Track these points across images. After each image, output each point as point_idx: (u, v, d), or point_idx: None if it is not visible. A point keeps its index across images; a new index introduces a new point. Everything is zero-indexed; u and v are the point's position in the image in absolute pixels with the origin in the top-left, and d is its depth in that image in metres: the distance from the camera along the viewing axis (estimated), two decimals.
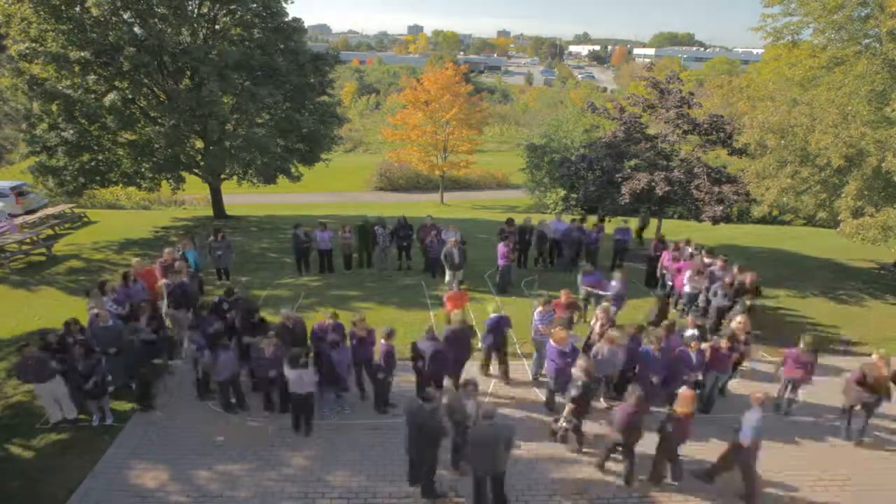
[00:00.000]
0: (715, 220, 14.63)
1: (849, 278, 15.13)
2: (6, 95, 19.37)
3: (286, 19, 16.89)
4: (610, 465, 7.63)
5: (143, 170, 16.74)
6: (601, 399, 8.84)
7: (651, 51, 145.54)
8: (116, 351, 8.66)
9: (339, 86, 56.96)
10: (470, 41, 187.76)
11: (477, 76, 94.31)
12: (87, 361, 7.89)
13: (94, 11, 14.09)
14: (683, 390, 7.14)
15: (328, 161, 20.23)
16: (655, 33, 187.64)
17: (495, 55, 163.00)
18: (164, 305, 10.26)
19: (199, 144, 17.20)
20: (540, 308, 9.21)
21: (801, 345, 8.48)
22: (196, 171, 17.29)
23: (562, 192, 25.67)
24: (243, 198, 25.22)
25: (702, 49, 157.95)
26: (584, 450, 7.83)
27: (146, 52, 14.47)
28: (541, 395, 9.11)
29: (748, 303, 10.20)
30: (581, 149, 19.59)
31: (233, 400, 8.51)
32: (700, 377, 8.51)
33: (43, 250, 15.16)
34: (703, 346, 8.51)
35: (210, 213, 20.20)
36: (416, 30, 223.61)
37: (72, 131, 15.04)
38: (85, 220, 19.23)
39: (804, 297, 13.22)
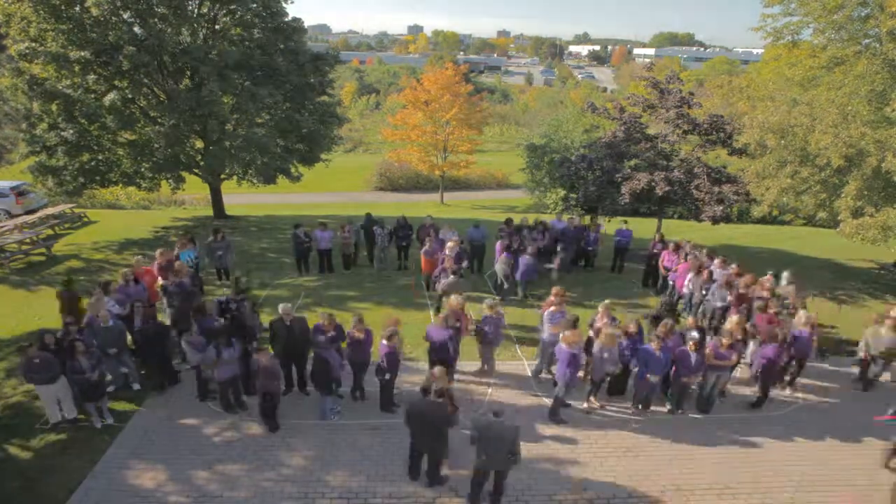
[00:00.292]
0: (715, 220, 14.62)
1: (849, 278, 15.13)
2: (6, 95, 19.38)
3: (286, 19, 16.88)
4: (611, 464, 7.64)
5: (142, 170, 16.73)
6: (592, 399, 8.83)
7: (651, 51, 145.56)
8: (117, 351, 8.67)
9: (339, 86, 56.96)
10: (470, 41, 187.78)
11: (477, 76, 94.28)
12: (87, 361, 7.88)
13: (94, 11, 14.09)
14: None
15: (328, 161, 20.22)
16: (655, 33, 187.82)
17: (495, 55, 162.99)
18: (164, 305, 10.27)
19: (199, 144, 17.19)
20: (552, 308, 9.21)
21: None
22: (196, 171, 17.29)
23: (562, 192, 25.71)
24: (243, 198, 25.22)
25: (702, 49, 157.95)
26: (583, 449, 7.81)
27: (146, 51, 14.47)
28: (540, 392, 9.11)
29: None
30: (581, 149, 19.57)
31: (232, 400, 8.50)
32: (700, 377, 8.53)
33: (43, 250, 15.15)
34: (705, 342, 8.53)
35: (210, 213, 20.20)
36: (416, 30, 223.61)
37: (72, 131, 15.04)
38: (85, 220, 19.22)
39: (804, 298, 13.18)
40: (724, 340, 8.44)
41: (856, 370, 9.77)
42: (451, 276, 10.85)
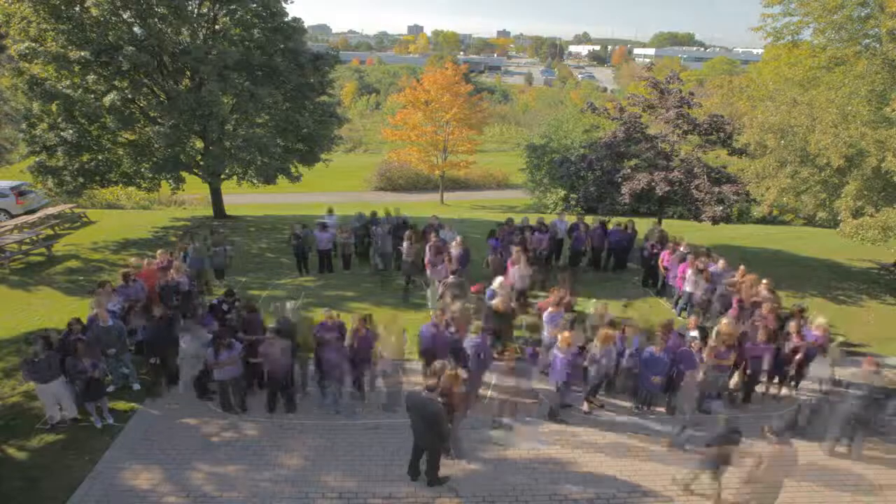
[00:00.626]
0: (715, 221, 14.63)
1: (849, 278, 15.12)
2: (6, 95, 19.39)
3: (286, 19, 16.88)
4: (610, 463, 7.63)
5: (142, 170, 16.73)
6: (592, 399, 8.82)
7: (651, 51, 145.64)
8: (115, 351, 8.66)
9: (339, 86, 56.97)
10: (470, 41, 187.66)
11: (477, 76, 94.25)
12: (89, 361, 7.88)
13: (94, 11, 14.09)
14: None
15: (328, 161, 20.22)
16: (655, 33, 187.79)
17: (495, 55, 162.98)
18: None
19: (199, 144, 17.19)
20: (550, 309, 9.20)
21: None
22: (196, 171, 17.28)
23: (562, 193, 25.75)
24: (243, 198, 25.22)
25: (702, 49, 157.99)
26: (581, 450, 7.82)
27: (146, 51, 14.48)
28: (539, 392, 9.11)
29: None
30: (581, 149, 19.58)
31: (232, 400, 8.50)
32: (702, 376, 8.51)
33: (43, 250, 15.15)
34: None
35: (210, 213, 20.20)
36: (416, 30, 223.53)
37: (71, 131, 15.04)
38: (84, 220, 19.22)
39: (804, 298, 13.20)
40: (723, 340, 8.43)
41: None
42: (452, 277, 10.82)
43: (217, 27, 16.65)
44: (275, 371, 8.21)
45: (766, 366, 8.70)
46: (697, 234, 17.82)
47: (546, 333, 9.23)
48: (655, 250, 13.18)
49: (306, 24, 18.32)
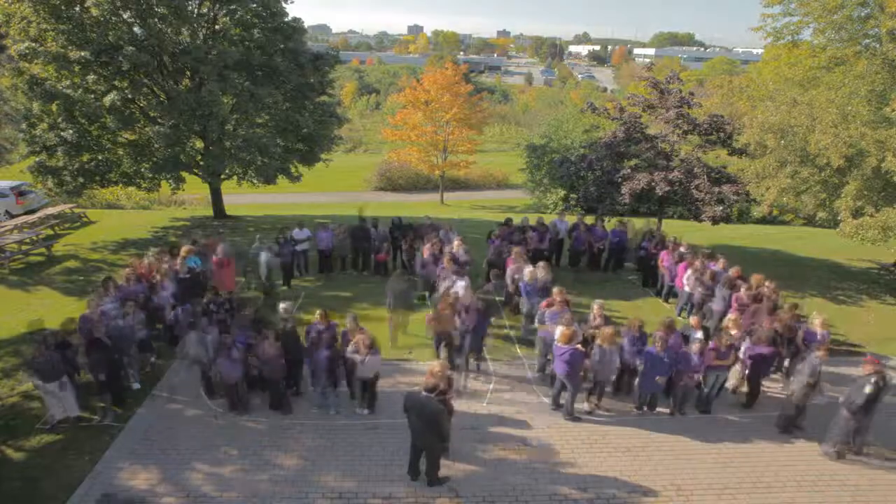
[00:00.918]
0: (715, 221, 14.62)
1: (848, 279, 15.12)
2: (6, 95, 19.38)
3: (286, 19, 16.88)
4: (611, 463, 7.64)
5: (142, 170, 16.73)
6: (593, 398, 8.83)
7: (651, 51, 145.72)
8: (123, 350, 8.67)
9: (339, 86, 56.97)
10: (470, 41, 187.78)
11: (477, 76, 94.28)
12: (90, 359, 7.88)
13: (94, 11, 14.09)
14: None
15: (328, 161, 20.22)
16: (655, 33, 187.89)
17: (495, 55, 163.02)
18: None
19: (199, 144, 17.19)
20: (553, 307, 9.21)
21: None
22: (196, 171, 17.29)
23: (562, 193, 25.75)
24: (243, 198, 25.23)
25: (702, 49, 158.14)
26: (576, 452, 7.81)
27: (146, 52, 14.47)
28: (540, 393, 9.12)
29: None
30: (581, 149, 19.57)
31: (237, 402, 8.49)
32: (701, 377, 8.53)
33: (43, 250, 15.16)
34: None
35: (210, 213, 20.20)
36: (416, 30, 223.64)
37: (71, 131, 15.04)
38: (84, 220, 19.23)
39: (803, 298, 13.21)
40: (724, 340, 8.43)
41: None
42: (463, 281, 10.36)
43: (217, 27, 16.65)
44: (272, 372, 8.22)
45: (769, 367, 8.69)
46: (697, 234, 17.83)
47: (546, 331, 9.24)
48: (655, 250, 13.18)
49: (306, 24, 18.33)
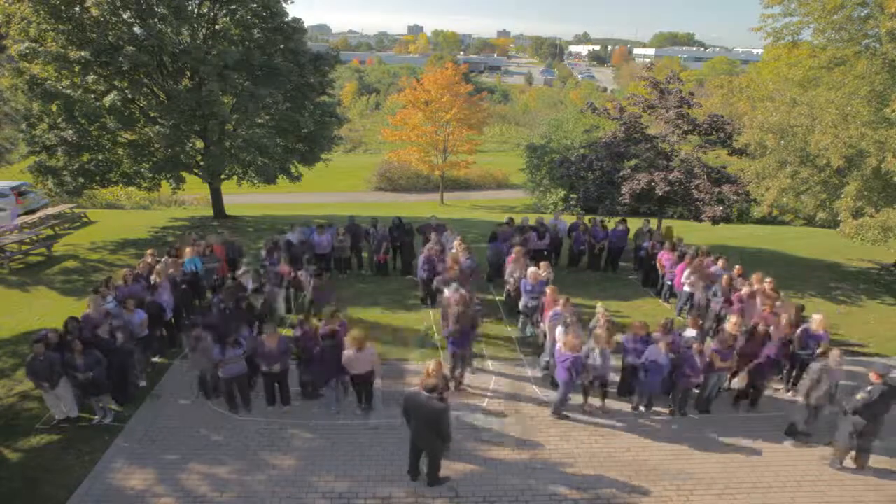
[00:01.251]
0: (715, 221, 14.62)
1: (848, 279, 15.12)
2: (6, 95, 19.37)
3: (286, 19, 16.86)
4: (610, 464, 7.63)
5: (142, 170, 16.73)
6: (592, 398, 8.82)
7: (651, 51, 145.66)
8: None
9: (339, 86, 57.02)
10: (470, 41, 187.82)
11: (477, 76, 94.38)
12: (83, 360, 7.88)
13: (94, 11, 14.08)
14: None
15: (328, 161, 20.21)
16: (655, 33, 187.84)
17: (495, 55, 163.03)
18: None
19: (200, 144, 17.19)
20: (559, 308, 9.20)
21: None
22: (196, 171, 17.29)
23: (561, 193, 25.76)
24: (243, 198, 25.22)
25: (702, 49, 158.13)
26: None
27: (146, 52, 14.45)
28: (539, 392, 9.12)
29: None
30: (581, 149, 19.58)
31: (238, 400, 8.49)
32: (701, 378, 8.52)
33: (42, 250, 15.15)
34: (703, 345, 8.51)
35: (210, 213, 20.19)
36: (416, 30, 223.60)
37: (71, 131, 15.04)
38: (84, 220, 19.22)
39: (803, 298, 13.20)
40: (725, 342, 8.42)
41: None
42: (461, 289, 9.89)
43: (217, 27, 16.64)
44: (268, 367, 8.21)
45: (769, 368, 8.67)
46: (697, 234, 17.83)
47: (546, 331, 9.24)
48: (655, 250, 13.18)
49: (306, 24, 18.30)
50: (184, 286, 10.71)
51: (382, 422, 8.37)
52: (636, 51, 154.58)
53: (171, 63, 15.81)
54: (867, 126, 10.81)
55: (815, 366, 7.94)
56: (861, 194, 11.42)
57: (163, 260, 11.02)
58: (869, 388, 7.28)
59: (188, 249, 11.57)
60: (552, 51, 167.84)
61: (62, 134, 15.09)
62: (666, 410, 8.78)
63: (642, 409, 8.78)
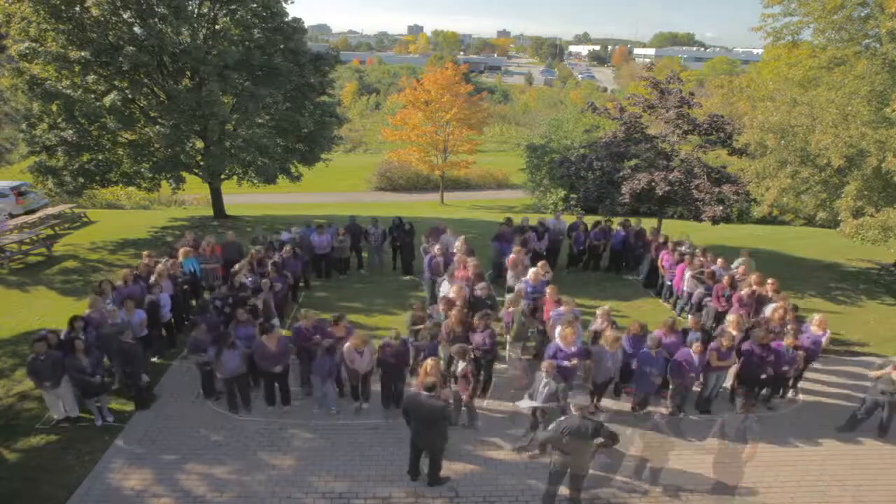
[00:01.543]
0: (715, 221, 14.62)
1: (848, 279, 15.12)
2: (6, 95, 19.38)
3: (286, 19, 16.87)
4: (611, 464, 7.63)
5: (142, 170, 16.73)
6: (596, 402, 8.81)
7: (651, 51, 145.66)
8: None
9: (339, 86, 57.02)
10: (470, 41, 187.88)
11: (477, 76, 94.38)
12: (87, 360, 7.88)
13: (94, 11, 14.08)
14: None
15: (328, 161, 20.21)
16: (655, 33, 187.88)
17: (495, 55, 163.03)
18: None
19: (199, 144, 17.19)
20: (562, 308, 9.20)
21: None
22: (196, 171, 17.29)
23: (562, 193, 25.73)
24: (243, 198, 25.21)
25: (702, 49, 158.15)
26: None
27: (146, 51, 14.46)
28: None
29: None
30: (581, 149, 19.56)
31: (239, 400, 8.50)
32: (701, 378, 8.52)
33: (43, 250, 15.16)
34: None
35: (210, 212, 20.19)
36: (416, 30, 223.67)
37: (71, 131, 15.04)
38: (84, 220, 19.23)
39: (803, 298, 13.21)
40: (724, 342, 8.41)
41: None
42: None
43: (217, 27, 16.64)
44: (268, 364, 8.19)
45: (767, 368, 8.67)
46: (697, 234, 17.81)
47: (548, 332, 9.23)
48: (656, 252, 13.16)
49: (306, 24, 18.30)
50: (184, 287, 10.72)
51: (382, 422, 8.37)
52: (636, 51, 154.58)
53: (172, 63, 15.82)
54: (867, 126, 10.80)
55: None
56: (861, 194, 11.41)
57: (163, 260, 11.02)
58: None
59: (182, 250, 11.56)
60: (552, 51, 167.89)
61: (62, 134, 15.09)
62: (665, 410, 8.77)
63: (637, 408, 8.76)
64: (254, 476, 7.29)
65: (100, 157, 16.12)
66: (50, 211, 18.40)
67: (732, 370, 8.89)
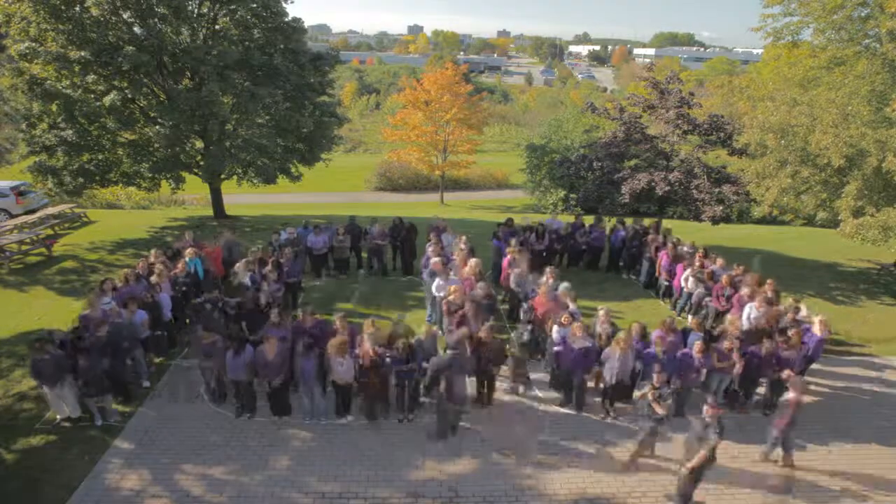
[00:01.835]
0: (715, 221, 14.61)
1: (848, 279, 15.11)
2: (6, 95, 19.38)
3: (286, 19, 16.85)
4: (611, 464, 7.63)
5: (142, 170, 16.70)
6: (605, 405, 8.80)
7: (651, 51, 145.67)
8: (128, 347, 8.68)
9: (339, 86, 57.01)
10: (470, 41, 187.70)
11: (477, 76, 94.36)
12: (89, 359, 7.88)
13: (94, 11, 14.08)
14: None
15: (328, 161, 20.21)
16: (655, 33, 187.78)
17: (495, 55, 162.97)
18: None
19: (199, 144, 17.18)
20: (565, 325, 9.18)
21: None
22: (196, 171, 17.28)
23: (562, 193, 25.76)
24: (243, 198, 25.20)
25: (702, 49, 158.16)
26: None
27: (146, 51, 14.45)
28: (541, 394, 9.11)
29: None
30: (581, 149, 19.57)
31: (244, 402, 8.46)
32: (703, 379, 8.51)
33: (42, 250, 15.15)
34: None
35: (210, 212, 20.18)
36: (416, 30, 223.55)
37: (71, 131, 15.03)
38: (84, 220, 19.22)
39: (803, 298, 13.19)
40: (727, 343, 8.41)
41: None
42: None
43: (217, 27, 16.64)
44: (268, 373, 8.10)
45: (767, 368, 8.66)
46: (697, 234, 17.81)
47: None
48: (657, 252, 13.14)
49: (306, 24, 18.30)
50: (184, 287, 10.71)
51: (382, 422, 8.35)
52: (636, 51, 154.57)
53: (171, 63, 15.81)
54: (867, 125, 10.81)
55: None
56: (861, 194, 11.41)
57: (163, 260, 11.01)
58: None
59: (189, 250, 11.51)
60: (552, 51, 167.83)
61: (62, 134, 15.08)
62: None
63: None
64: (253, 476, 7.29)
65: (100, 157, 16.11)
66: (50, 211, 18.39)
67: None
